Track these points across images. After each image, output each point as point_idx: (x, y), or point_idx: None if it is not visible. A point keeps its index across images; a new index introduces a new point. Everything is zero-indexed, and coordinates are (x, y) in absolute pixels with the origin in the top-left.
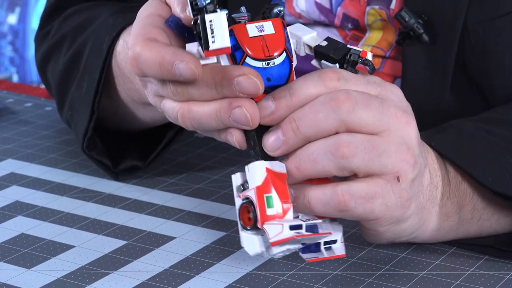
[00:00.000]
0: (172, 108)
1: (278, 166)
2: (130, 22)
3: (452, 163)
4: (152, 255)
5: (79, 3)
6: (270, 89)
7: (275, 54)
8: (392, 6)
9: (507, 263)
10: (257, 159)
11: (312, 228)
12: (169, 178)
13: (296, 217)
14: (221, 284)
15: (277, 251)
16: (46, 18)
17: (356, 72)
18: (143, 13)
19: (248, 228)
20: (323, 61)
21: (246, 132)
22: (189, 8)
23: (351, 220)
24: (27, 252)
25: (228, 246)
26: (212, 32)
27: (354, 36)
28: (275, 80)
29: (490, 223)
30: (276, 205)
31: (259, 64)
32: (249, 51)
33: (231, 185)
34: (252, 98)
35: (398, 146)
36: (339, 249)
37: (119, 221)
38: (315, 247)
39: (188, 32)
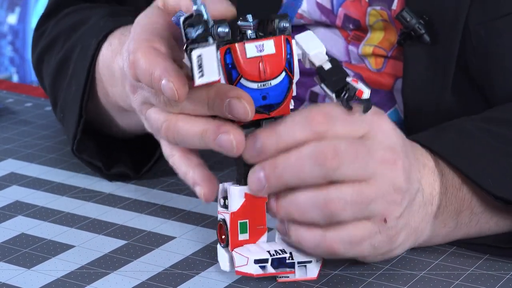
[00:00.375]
0: (157, 119)
1: None
2: (119, 25)
3: (451, 166)
4: (152, 255)
5: (78, 3)
6: (264, 108)
7: (272, 77)
8: (394, 6)
9: (507, 262)
10: (240, 180)
11: (280, 261)
12: (169, 178)
13: (273, 241)
14: (221, 284)
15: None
16: (44, 18)
17: (349, 107)
18: (143, 19)
19: (222, 245)
20: (322, 85)
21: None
22: (182, 34)
23: None
24: (27, 252)
25: None
26: (200, 67)
27: (355, 36)
28: (271, 99)
29: (488, 225)
30: (250, 230)
31: (254, 85)
32: (243, 73)
33: None
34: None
35: (385, 191)
36: (312, 269)
37: (119, 221)
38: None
39: None
